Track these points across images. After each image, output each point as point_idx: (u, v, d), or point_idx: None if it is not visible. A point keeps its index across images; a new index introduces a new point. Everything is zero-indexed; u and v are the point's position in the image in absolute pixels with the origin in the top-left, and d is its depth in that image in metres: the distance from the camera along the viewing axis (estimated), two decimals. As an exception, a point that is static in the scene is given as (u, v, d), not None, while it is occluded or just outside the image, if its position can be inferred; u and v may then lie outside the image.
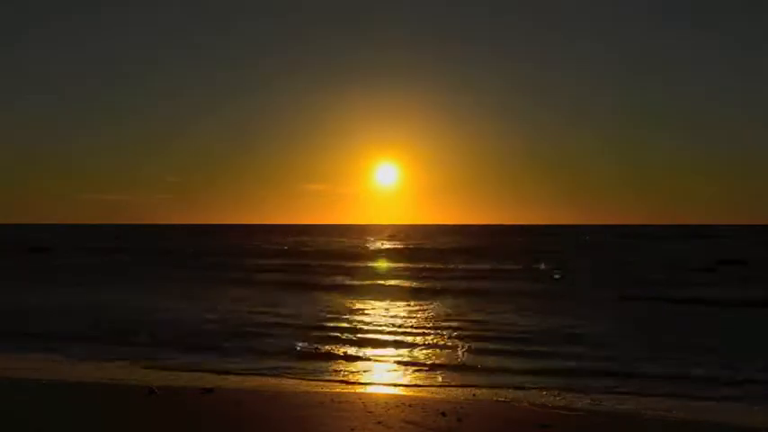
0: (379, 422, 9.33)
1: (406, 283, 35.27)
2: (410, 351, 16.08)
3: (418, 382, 12.93)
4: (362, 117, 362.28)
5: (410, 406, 10.35)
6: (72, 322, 20.47)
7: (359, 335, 18.38)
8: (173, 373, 13.45)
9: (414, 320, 21.25)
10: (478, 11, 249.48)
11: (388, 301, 26.70)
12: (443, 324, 20.19)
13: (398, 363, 14.88)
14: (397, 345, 16.93)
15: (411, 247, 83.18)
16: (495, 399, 11.40)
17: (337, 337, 18.02)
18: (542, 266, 45.48)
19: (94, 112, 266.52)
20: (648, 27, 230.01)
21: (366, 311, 23.57)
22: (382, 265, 51.17)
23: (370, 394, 11.69)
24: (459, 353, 15.67)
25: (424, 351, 16.04)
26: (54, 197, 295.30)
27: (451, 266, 47.95)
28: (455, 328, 19.19)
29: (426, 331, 18.95)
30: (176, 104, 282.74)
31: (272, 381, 12.89)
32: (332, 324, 20.30)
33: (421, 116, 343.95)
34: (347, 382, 12.81)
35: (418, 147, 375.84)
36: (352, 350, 16.18)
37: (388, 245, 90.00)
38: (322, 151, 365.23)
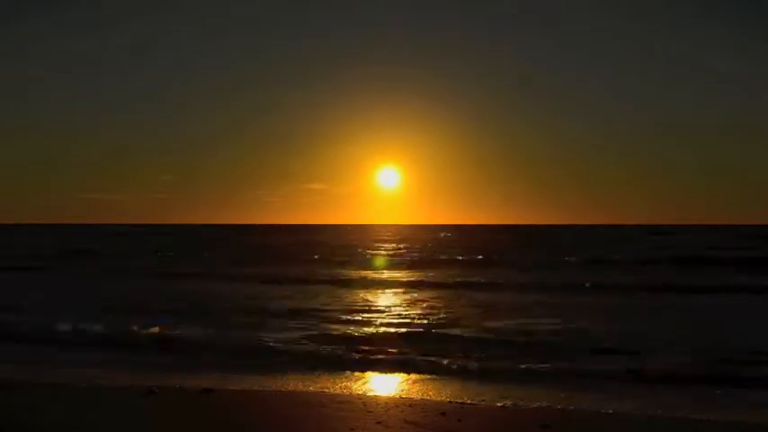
0: (379, 422, 9.33)
1: (406, 282, 35.26)
2: (411, 350, 16.05)
3: (418, 382, 12.92)
4: (364, 116, 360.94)
5: (410, 406, 10.35)
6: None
7: (359, 334, 18.36)
8: (173, 373, 13.43)
9: (414, 320, 21.22)
10: (479, 10, 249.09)
11: (388, 300, 26.69)
12: (444, 323, 20.19)
13: (399, 362, 14.86)
14: (398, 344, 16.90)
15: (412, 245, 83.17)
16: (495, 399, 11.38)
17: (337, 335, 18.00)
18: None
19: (92, 110, 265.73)
20: (648, 27, 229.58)
21: (366, 310, 23.55)
22: (381, 262, 51.17)
23: (370, 394, 11.68)
24: (461, 352, 15.63)
25: (425, 350, 16.00)
26: (52, 196, 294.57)
27: (455, 265, 47.94)
28: (456, 328, 19.19)
29: (427, 330, 18.93)
30: (174, 103, 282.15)
31: (272, 380, 12.88)
32: (332, 323, 20.29)
33: (423, 116, 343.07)
34: (347, 383, 12.80)
35: (420, 146, 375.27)
36: (352, 349, 16.15)
37: (387, 245, 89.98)
38: (322, 151, 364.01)
